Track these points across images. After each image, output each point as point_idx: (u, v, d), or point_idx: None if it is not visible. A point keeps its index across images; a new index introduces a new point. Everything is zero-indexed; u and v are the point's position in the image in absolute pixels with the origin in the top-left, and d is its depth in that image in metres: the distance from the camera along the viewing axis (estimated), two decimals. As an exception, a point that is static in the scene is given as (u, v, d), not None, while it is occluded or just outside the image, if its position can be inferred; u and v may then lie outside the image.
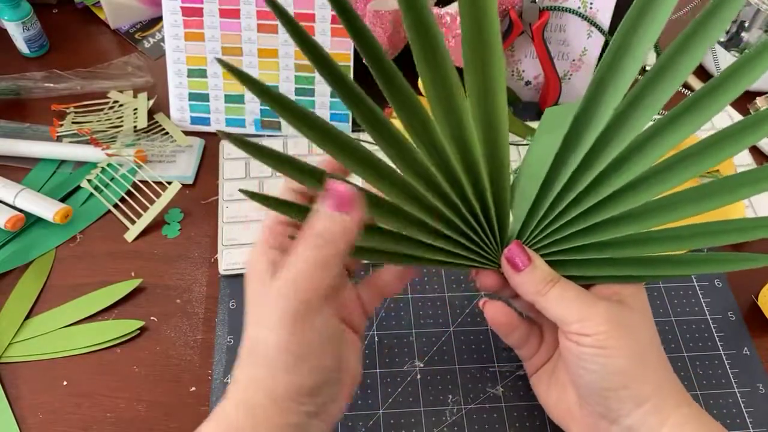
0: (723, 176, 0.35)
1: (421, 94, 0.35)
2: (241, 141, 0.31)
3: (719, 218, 0.35)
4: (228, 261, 0.49)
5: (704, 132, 0.37)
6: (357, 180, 0.33)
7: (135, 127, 0.57)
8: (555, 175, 0.35)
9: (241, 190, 0.32)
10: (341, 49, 0.55)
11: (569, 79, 0.59)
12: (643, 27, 0.33)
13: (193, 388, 0.44)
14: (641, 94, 0.34)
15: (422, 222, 0.34)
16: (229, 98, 0.57)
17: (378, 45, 0.30)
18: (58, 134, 0.56)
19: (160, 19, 0.68)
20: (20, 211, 0.51)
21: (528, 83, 0.60)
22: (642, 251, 0.35)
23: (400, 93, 0.32)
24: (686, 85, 0.65)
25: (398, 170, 0.33)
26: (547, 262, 0.36)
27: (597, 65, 0.34)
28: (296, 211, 0.32)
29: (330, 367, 0.32)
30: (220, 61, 0.28)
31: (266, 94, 0.30)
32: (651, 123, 0.34)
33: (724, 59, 0.63)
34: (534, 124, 0.56)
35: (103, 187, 0.54)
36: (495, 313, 0.39)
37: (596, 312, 0.34)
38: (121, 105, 0.59)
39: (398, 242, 0.35)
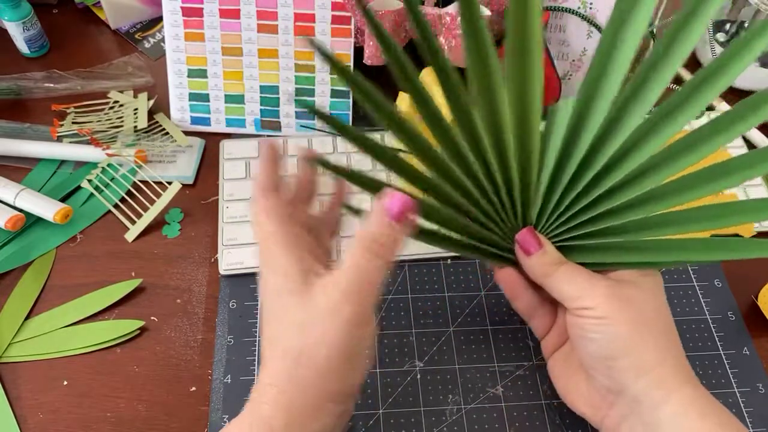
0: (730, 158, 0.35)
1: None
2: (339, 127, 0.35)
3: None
4: (228, 261, 0.49)
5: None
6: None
7: (135, 127, 0.57)
8: (563, 166, 0.38)
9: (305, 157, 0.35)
10: (341, 49, 0.55)
11: (569, 79, 0.59)
12: (631, 20, 0.35)
13: (194, 388, 0.44)
14: (638, 87, 0.36)
15: (454, 200, 0.37)
16: (229, 98, 0.57)
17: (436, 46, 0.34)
18: (59, 134, 0.56)
19: (160, 19, 0.68)
20: (20, 211, 0.51)
21: (528, 83, 0.60)
22: (651, 234, 0.37)
23: (446, 78, 0.35)
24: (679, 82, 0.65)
25: (439, 153, 0.36)
26: (560, 247, 0.38)
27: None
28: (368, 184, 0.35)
29: (370, 362, 0.34)
30: (311, 42, 0.32)
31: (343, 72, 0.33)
32: (647, 116, 0.36)
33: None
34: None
35: (103, 187, 0.54)
36: (505, 273, 0.40)
37: (596, 287, 0.36)
38: (121, 105, 0.59)
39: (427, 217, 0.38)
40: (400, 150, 0.38)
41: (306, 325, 0.32)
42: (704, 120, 0.60)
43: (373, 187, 0.36)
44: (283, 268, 0.33)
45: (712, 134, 0.35)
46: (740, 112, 0.34)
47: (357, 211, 0.39)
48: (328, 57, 0.32)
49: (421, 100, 0.36)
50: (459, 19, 0.35)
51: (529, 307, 0.41)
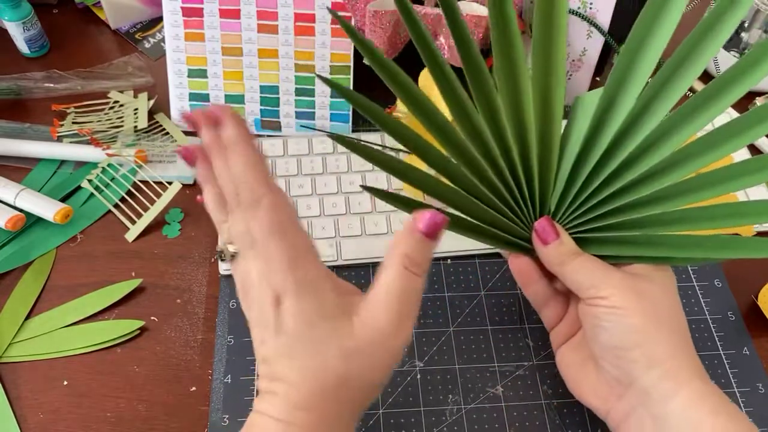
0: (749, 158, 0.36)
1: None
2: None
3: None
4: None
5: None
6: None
7: (135, 127, 0.57)
8: (585, 158, 0.38)
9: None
10: (341, 49, 0.55)
11: (569, 78, 0.59)
12: (663, 17, 0.36)
13: (194, 388, 0.44)
14: (659, 89, 0.37)
15: (472, 184, 0.38)
16: (229, 98, 0.57)
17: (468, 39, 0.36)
18: (59, 134, 0.56)
19: (160, 19, 0.68)
20: (21, 211, 0.51)
21: (528, 83, 0.60)
22: (667, 230, 0.37)
23: (476, 72, 0.37)
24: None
25: (460, 136, 0.37)
26: (577, 239, 0.39)
27: (615, 55, 0.37)
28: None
29: None
30: (330, 11, 0.34)
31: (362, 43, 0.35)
32: (665, 117, 0.37)
33: (723, 59, 0.63)
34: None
35: (103, 187, 0.54)
36: (519, 261, 0.41)
37: (611, 278, 0.36)
38: (121, 105, 0.59)
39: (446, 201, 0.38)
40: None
41: (356, 352, 0.31)
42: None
43: (398, 171, 0.36)
44: (317, 289, 0.33)
45: (732, 135, 0.35)
46: (759, 115, 0.35)
47: (379, 192, 0.39)
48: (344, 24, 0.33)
49: (444, 78, 0.36)
50: (488, 10, 0.36)
51: (542, 297, 0.41)
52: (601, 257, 0.38)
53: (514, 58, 0.37)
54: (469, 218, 0.39)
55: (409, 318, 0.33)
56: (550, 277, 0.40)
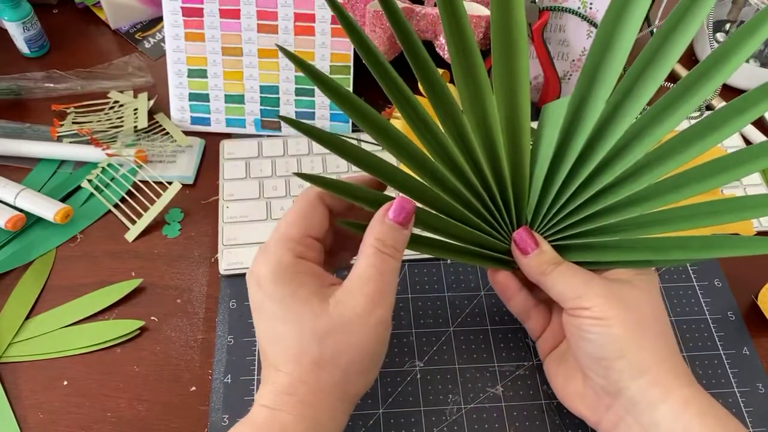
0: (725, 155, 0.35)
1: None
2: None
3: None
4: (228, 261, 0.49)
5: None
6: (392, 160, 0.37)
7: (135, 127, 0.57)
8: (558, 164, 0.38)
9: (296, 174, 0.34)
10: (341, 49, 0.55)
11: (569, 79, 0.59)
12: (625, 20, 0.35)
13: (194, 388, 0.44)
14: (631, 85, 0.36)
15: (445, 203, 0.37)
16: (229, 98, 0.57)
17: (418, 47, 0.35)
18: (59, 134, 0.56)
19: (160, 19, 0.68)
20: (20, 211, 0.51)
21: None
22: (648, 232, 0.37)
23: (432, 85, 0.36)
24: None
25: (428, 156, 0.37)
26: (557, 246, 0.38)
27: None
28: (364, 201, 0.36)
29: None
30: (281, 48, 0.33)
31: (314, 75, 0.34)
32: (641, 113, 0.36)
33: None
34: (534, 125, 0.56)
35: (103, 187, 0.54)
36: (499, 275, 0.41)
37: (593, 287, 0.36)
38: (121, 105, 0.59)
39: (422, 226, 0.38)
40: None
41: (330, 332, 0.32)
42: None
43: (370, 200, 0.36)
44: (294, 277, 0.33)
45: (706, 132, 0.35)
46: (732, 109, 0.34)
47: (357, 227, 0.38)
48: (292, 57, 0.32)
49: (407, 104, 0.36)
50: (443, 27, 0.35)
51: (524, 309, 0.41)
52: (582, 264, 0.37)
53: (475, 73, 0.36)
54: (448, 240, 0.38)
55: (383, 298, 0.33)
56: (531, 287, 0.40)
